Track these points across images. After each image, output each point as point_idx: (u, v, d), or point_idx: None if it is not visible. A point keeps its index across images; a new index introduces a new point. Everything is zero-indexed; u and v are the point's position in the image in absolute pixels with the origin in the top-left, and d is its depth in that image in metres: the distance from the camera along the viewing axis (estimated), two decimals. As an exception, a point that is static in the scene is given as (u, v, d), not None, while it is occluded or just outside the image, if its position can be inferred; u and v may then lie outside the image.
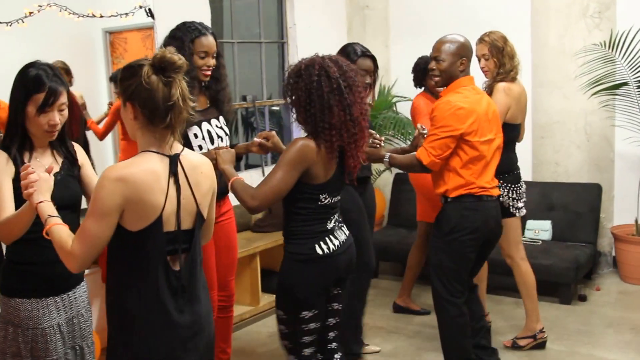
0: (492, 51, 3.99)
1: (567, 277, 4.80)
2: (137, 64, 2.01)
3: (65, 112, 2.37)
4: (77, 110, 4.07)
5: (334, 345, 2.96)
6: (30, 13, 4.19)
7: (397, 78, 6.25)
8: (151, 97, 1.97)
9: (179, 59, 1.99)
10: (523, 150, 5.64)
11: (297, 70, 2.65)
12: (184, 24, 3.20)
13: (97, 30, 4.80)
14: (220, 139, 3.25)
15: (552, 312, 4.72)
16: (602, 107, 5.19)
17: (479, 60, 4.07)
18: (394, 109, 6.26)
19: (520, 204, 4.07)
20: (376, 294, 4.90)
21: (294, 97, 2.66)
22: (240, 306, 4.76)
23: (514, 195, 4.02)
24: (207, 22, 5.08)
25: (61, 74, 2.41)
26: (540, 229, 5.30)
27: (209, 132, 3.20)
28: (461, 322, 3.49)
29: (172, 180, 2.02)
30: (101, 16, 4.50)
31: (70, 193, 2.41)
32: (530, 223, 5.34)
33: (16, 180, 2.24)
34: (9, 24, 4.12)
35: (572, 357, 4.01)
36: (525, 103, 4.17)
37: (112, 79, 4.75)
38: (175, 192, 2.03)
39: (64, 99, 2.34)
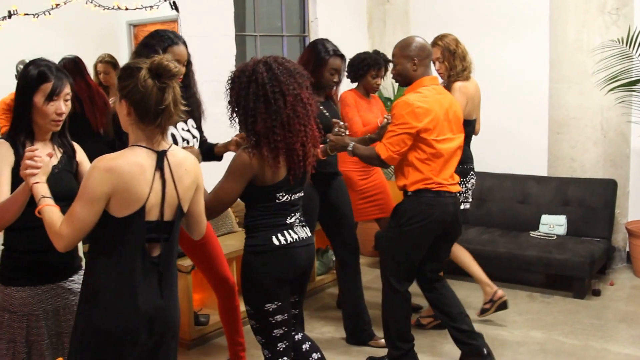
0: (444, 54, 4.12)
1: (582, 272, 4.81)
2: (135, 66, 2.14)
3: (69, 104, 2.48)
4: (99, 101, 4.13)
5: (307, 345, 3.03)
6: (57, 5, 4.22)
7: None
8: (144, 100, 2.12)
9: (174, 66, 2.14)
10: (538, 145, 5.74)
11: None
12: (157, 32, 3.28)
13: (121, 22, 4.84)
14: (186, 141, 3.32)
15: (566, 307, 4.74)
16: (618, 104, 5.17)
17: (434, 63, 4.15)
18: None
19: (461, 198, 4.08)
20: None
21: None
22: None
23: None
24: (230, 16, 5.13)
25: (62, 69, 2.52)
26: (555, 224, 5.29)
27: (172, 135, 3.27)
28: (406, 308, 3.68)
29: (157, 175, 2.17)
30: (126, 9, 4.55)
31: (65, 186, 2.48)
32: (545, 218, 5.36)
33: (15, 169, 2.34)
34: (36, 15, 4.16)
35: (585, 351, 4.01)
36: (479, 99, 4.30)
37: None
38: (160, 185, 2.18)
39: (68, 89, 2.45)
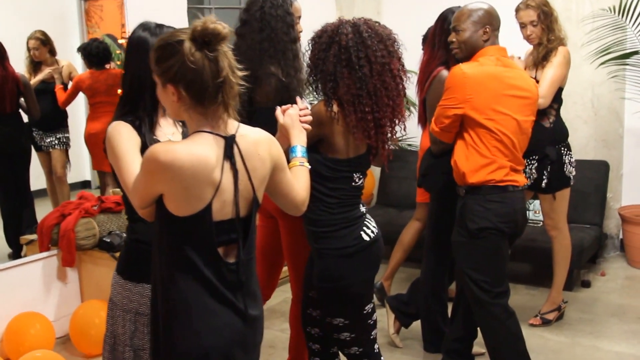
0: (541, 16, 3.85)
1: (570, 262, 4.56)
2: (174, 40, 1.78)
3: None
4: (11, 84, 4.21)
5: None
6: (-4, -20, 4.11)
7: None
8: (199, 77, 1.78)
9: (222, 27, 1.78)
10: (525, 125, 5.46)
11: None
12: None
13: (71, -3, 4.74)
14: None
15: (553, 299, 4.55)
16: (610, 78, 5.00)
17: (524, 28, 3.90)
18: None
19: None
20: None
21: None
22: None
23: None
24: (184, -13, 4.87)
25: None
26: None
27: None
28: (512, 325, 3.17)
29: (227, 166, 1.85)
30: (73, -17, 4.42)
31: None
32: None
33: (143, 151, 2.06)
34: (-26, -11, 4.02)
35: (572, 349, 3.83)
36: None
37: (79, 49, 4.65)
38: (231, 177, 1.86)
39: None
